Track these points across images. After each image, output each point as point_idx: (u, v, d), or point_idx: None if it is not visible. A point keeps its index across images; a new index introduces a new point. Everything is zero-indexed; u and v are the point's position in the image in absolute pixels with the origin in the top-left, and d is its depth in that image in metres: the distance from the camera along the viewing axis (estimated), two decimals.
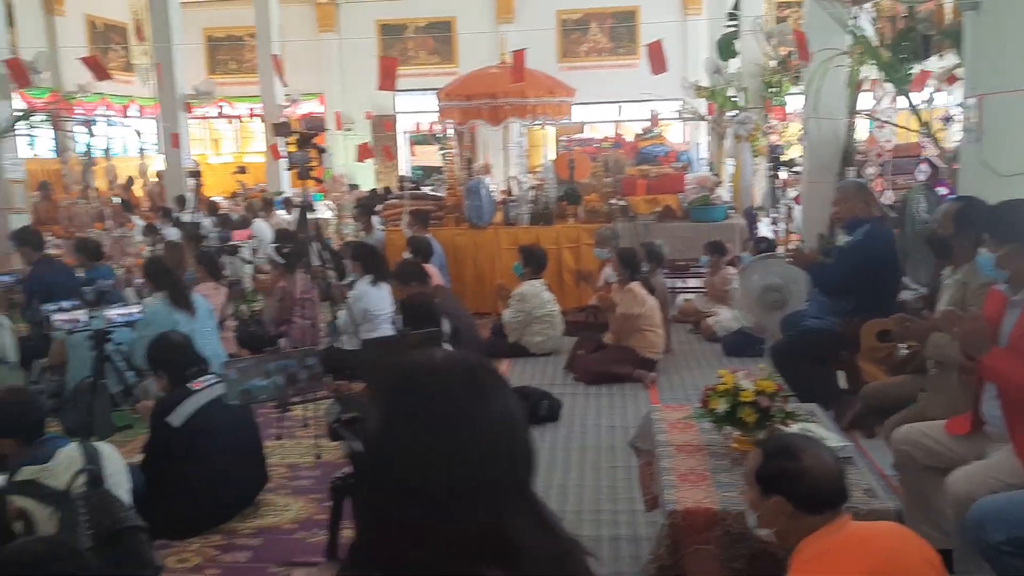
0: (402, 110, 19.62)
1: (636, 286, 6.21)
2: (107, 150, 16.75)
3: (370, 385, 1.22)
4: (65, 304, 5.56)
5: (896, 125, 8.17)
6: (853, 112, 7.90)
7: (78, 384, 5.38)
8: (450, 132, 10.18)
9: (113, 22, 18.68)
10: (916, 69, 7.29)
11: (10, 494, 2.62)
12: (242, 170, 14.59)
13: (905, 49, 7.14)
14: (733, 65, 13.09)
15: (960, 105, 5.48)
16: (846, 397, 4.83)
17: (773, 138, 11.37)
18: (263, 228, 10.64)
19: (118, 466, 3.13)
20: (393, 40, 19.68)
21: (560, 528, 1.23)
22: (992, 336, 2.98)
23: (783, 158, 9.65)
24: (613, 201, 8.68)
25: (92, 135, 14.20)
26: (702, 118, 13.46)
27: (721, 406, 3.09)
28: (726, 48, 13.16)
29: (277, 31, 16.39)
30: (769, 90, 11.99)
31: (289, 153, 5.48)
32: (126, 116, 18.09)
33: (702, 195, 8.42)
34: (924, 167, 6.66)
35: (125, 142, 18.37)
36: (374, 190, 15.18)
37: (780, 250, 7.83)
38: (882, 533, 2.18)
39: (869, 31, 7.22)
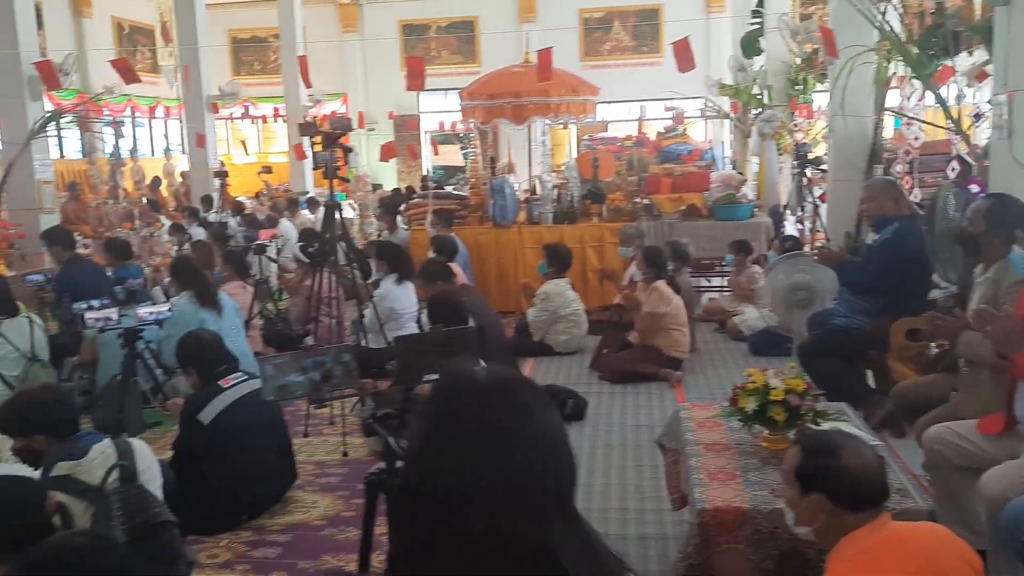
0: (425, 110, 19.68)
1: (662, 285, 6.19)
2: (133, 151, 16.94)
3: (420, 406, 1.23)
4: (95, 303, 5.64)
5: (924, 122, 8.07)
6: (880, 109, 7.82)
7: (108, 381, 5.45)
8: (473, 132, 10.21)
9: (139, 24, 18.87)
10: (945, 65, 7.21)
11: (47, 489, 2.66)
12: (268, 170, 14.69)
13: (934, 45, 7.05)
14: (757, 63, 13.01)
15: (990, 102, 5.42)
16: (875, 397, 4.79)
17: (798, 136, 11.28)
18: (288, 228, 10.71)
19: (150, 462, 3.16)
20: (416, 40, 19.75)
21: (601, 542, 1.24)
22: None
23: (810, 156, 9.57)
24: (637, 200, 8.65)
25: (122, 136, 14.35)
26: (726, 116, 13.38)
27: (750, 405, 3.08)
28: (750, 46, 13.07)
29: (301, 32, 16.48)
30: (794, 88, 11.90)
31: (315, 153, 5.51)
32: (153, 117, 18.27)
33: (727, 193, 8.37)
34: (954, 164, 6.58)
35: (152, 143, 18.57)
36: (397, 189, 15.25)
37: (806, 249, 7.78)
38: (922, 533, 2.16)
39: (897, 27, 7.15)
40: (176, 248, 9.82)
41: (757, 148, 11.05)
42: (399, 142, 16.15)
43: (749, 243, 7.78)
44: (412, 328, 6.34)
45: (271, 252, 8.35)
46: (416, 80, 7.38)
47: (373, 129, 18.70)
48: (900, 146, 7.90)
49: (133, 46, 18.35)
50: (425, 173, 17.32)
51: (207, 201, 12.50)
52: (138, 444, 3.18)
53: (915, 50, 6.99)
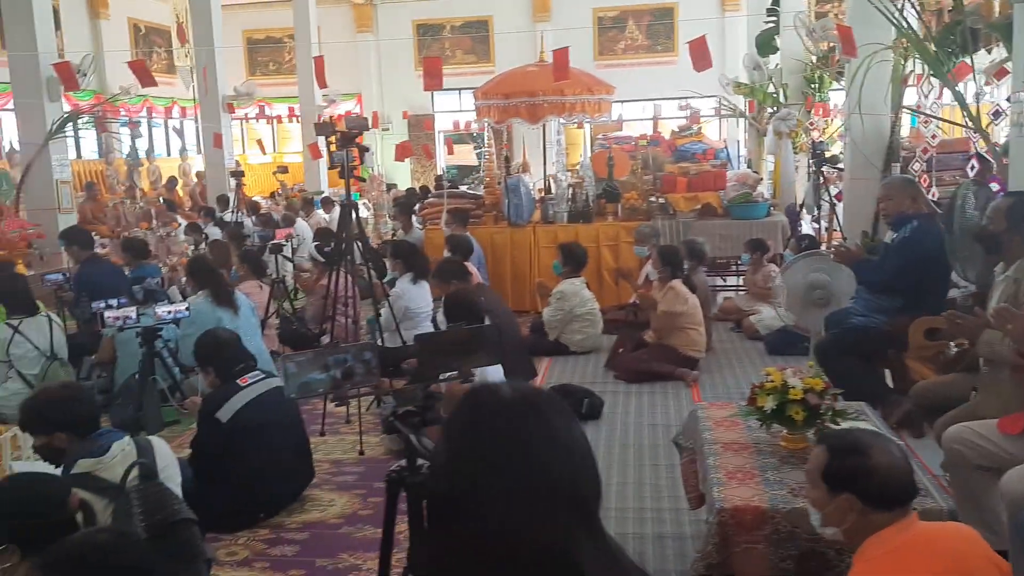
0: (439, 109, 19.72)
1: (678, 284, 6.18)
2: (149, 151, 17.06)
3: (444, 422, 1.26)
4: (113, 302, 5.68)
5: (942, 120, 8.02)
6: (898, 107, 7.78)
7: (127, 380, 5.49)
8: (487, 131, 10.20)
9: (155, 25, 18.99)
10: (963, 62, 7.17)
11: (69, 487, 2.68)
12: (283, 169, 14.76)
13: (952, 43, 7.01)
14: (772, 61, 12.96)
15: (1009, 99, 5.37)
16: (893, 396, 4.77)
17: (814, 135, 11.23)
18: (303, 227, 10.76)
19: (170, 460, 3.19)
20: (430, 40, 19.78)
21: (625, 556, 1.27)
22: None
23: (826, 155, 9.53)
24: (653, 199, 8.63)
25: (139, 136, 14.45)
26: (742, 115, 13.34)
27: (769, 404, 3.07)
28: (765, 44, 13.03)
29: (315, 32, 16.55)
30: (810, 86, 11.85)
31: (331, 152, 5.52)
32: (169, 117, 18.38)
33: (743, 192, 8.34)
34: (974, 162, 6.53)
35: (168, 143, 18.69)
36: (411, 189, 15.28)
37: (823, 248, 7.74)
38: (949, 533, 2.14)
39: (914, 24, 7.10)
40: (192, 248, 9.88)
41: (773, 147, 11.00)
42: (413, 142, 16.20)
43: (765, 242, 7.76)
44: (428, 327, 6.35)
45: (287, 251, 8.39)
46: (433, 80, 7.39)
47: (387, 129, 18.77)
48: (917, 144, 7.85)
49: (149, 47, 18.48)
50: (439, 173, 17.37)
51: (223, 201, 12.56)
52: (157, 442, 3.20)
53: (933, 47, 6.94)
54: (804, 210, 9.89)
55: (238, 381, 4.09)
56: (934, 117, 7.82)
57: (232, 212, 11.88)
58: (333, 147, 5.49)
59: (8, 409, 5.27)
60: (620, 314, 7.38)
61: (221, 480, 3.94)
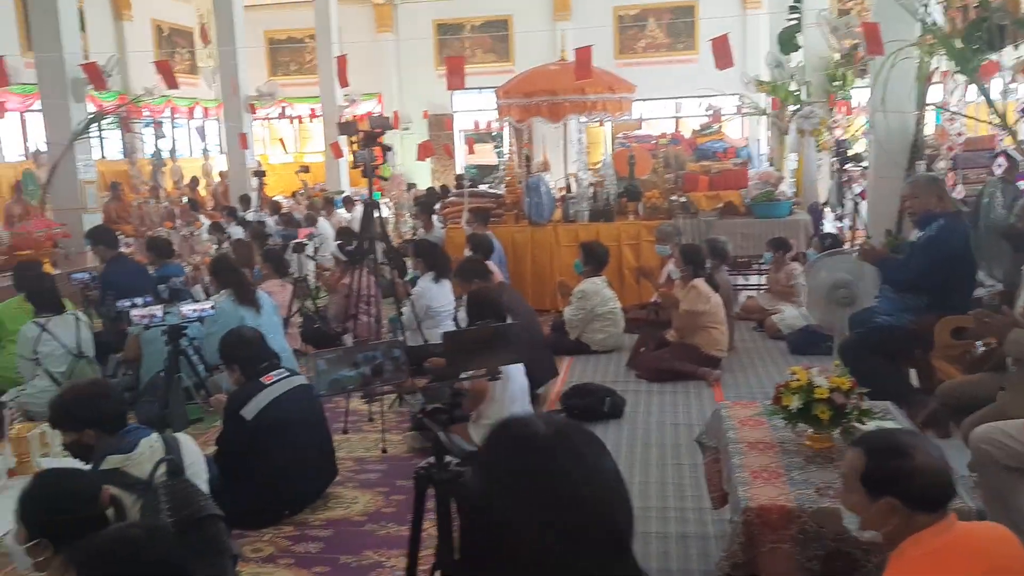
0: (459, 108, 19.74)
1: (700, 283, 6.16)
2: (172, 151, 17.21)
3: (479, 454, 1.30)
4: (139, 300, 5.74)
5: (967, 117, 7.93)
6: (922, 105, 7.70)
7: (152, 378, 5.54)
8: (506, 130, 10.20)
9: (178, 26, 19.15)
10: (989, 60, 7.08)
11: (100, 483, 2.71)
12: (305, 169, 14.84)
13: (978, 39, 6.93)
14: (794, 59, 12.87)
15: None
16: (919, 396, 4.73)
17: (837, 132, 11.14)
18: (325, 226, 10.82)
19: (196, 456, 3.21)
20: (450, 39, 19.82)
21: None
22: None
23: (849, 153, 9.45)
24: (674, 197, 8.60)
25: (163, 136, 14.56)
26: (764, 113, 13.26)
27: (795, 403, 3.05)
28: (787, 42, 12.93)
29: (336, 32, 16.61)
30: (833, 84, 11.76)
31: (355, 152, 5.55)
32: (192, 118, 18.54)
33: (766, 191, 8.29)
34: (1001, 160, 6.46)
35: (190, 143, 18.84)
36: (432, 188, 15.32)
37: (846, 247, 7.68)
38: (988, 534, 2.09)
39: (940, 21, 7.03)
40: (215, 247, 9.95)
41: (795, 145, 10.94)
42: (434, 141, 16.23)
43: (787, 241, 7.71)
44: (449, 325, 6.37)
45: (309, 250, 8.44)
46: (456, 79, 7.41)
47: (407, 128, 18.80)
48: (943, 142, 7.77)
49: (172, 48, 18.63)
50: (460, 172, 17.39)
51: (245, 200, 12.65)
52: (184, 439, 3.23)
53: (959, 44, 6.87)
54: (827, 208, 9.82)
55: (262, 379, 4.12)
56: (960, 114, 7.75)
57: (254, 211, 11.96)
58: (356, 146, 5.51)
59: (36, 406, 5.34)
60: (642, 313, 7.37)
61: (246, 478, 3.97)
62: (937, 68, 7.91)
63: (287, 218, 11.16)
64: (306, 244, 8.01)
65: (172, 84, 9.24)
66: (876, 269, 5.10)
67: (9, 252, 8.24)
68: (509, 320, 4.70)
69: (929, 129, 8.65)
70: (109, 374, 5.91)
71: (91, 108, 10.50)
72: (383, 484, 4.51)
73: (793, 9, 12.83)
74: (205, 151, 18.75)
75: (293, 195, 15.67)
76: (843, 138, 10.77)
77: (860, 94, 12.26)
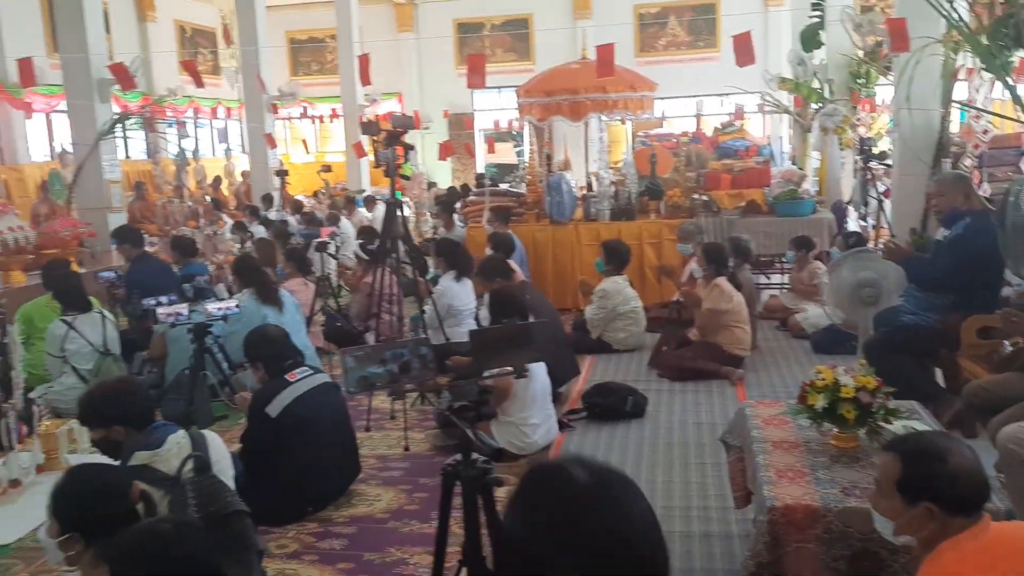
0: (479, 108, 19.78)
1: (722, 281, 6.14)
2: (195, 151, 17.35)
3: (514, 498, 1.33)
4: (164, 299, 5.80)
5: (994, 114, 7.85)
6: (948, 102, 7.62)
7: (177, 375, 5.59)
8: (526, 129, 10.20)
9: (201, 27, 19.31)
10: (1015, 56, 6.99)
11: (130, 478, 2.74)
12: (327, 168, 14.92)
13: (1004, 36, 6.85)
14: (817, 56, 12.77)
15: None
16: (945, 395, 4.69)
17: (861, 130, 11.05)
18: (347, 225, 10.87)
19: (223, 453, 3.24)
20: (470, 38, 19.85)
21: None
22: None
23: (874, 151, 9.36)
24: (696, 196, 8.57)
25: (186, 136, 14.67)
26: (786, 111, 13.18)
27: (820, 402, 3.03)
28: (810, 39, 12.83)
29: (357, 32, 16.68)
30: (856, 81, 11.66)
31: (377, 151, 5.57)
32: (214, 118, 18.68)
33: (789, 189, 8.24)
34: None
35: (213, 143, 18.99)
36: (452, 187, 15.35)
37: (870, 245, 7.62)
38: (1023, 534, 2.08)
39: (965, 17, 6.95)
40: (238, 246, 10.02)
41: (819, 143, 10.86)
42: (454, 140, 16.28)
43: (810, 239, 7.66)
44: (471, 324, 6.39)
45: (331, 249, 8.48)
46: (476, 78, 7.43)
47: (428, 128, 18.86)
48: (968, 140, 7.69)
49: (194, 48, 18.79)
50: (481, 171, 17.42)
51: (268, 200, 12.73)
52: (211, 436, 3.26)
53: (985, 41, 6.79)
54: (851, 207, 9.74)
55: (287, 376, 4.15)
56: (986, 111, 7.66)
57: (277, 211, 12.04)
58: (379, 146, 5.53)
59: (63, 403, 5.41)
60: (664, 312, 7.34)
61: (270, 475, 4.00)
62: (963, 65, 7.83)
63: (309, 217, 11.23)
64: (328, 243, 8.05)
65: (199, 83, 9.33)
66: (901, 268, 5.06)
67: (36, 251, 8.33)
68: (532, 319, 4.71)
69: (954, 127, 8.57)
70: (135, 372, 5.98)
71: (115, 109, 10.61)
72: (406, 482, 4.53)
73: (816, 6, 12.73)
74: (227, 151, 18.89)
75: (315, 194, 15.76)
76: (867, 136, 10.67)
77: (884, 91, 12.17)
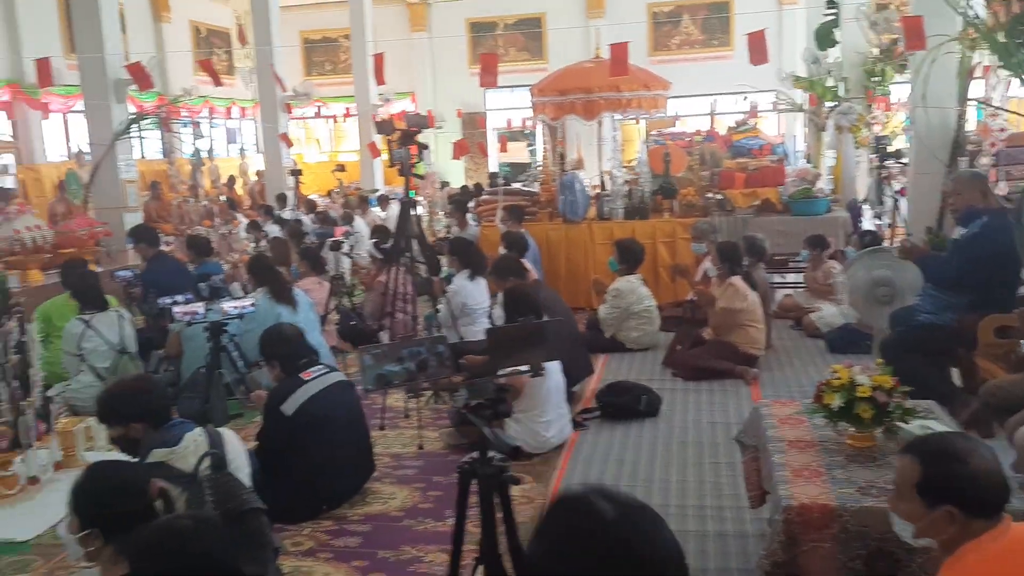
0: (492, 107, 19.78)
1: (737, 280, 6.12)
2: (210, 150, 17.44)
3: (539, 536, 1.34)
4: (180, 298, 5.82)
5: (1010, 112, 7.80)
6: (964, 100, 7.58)
7: (193, 374, 5.62)
8: (539, 128, 10.20)
9: (216, 27, 19.40)
10: None
11: (148, 475, 2.76)
12: (341, 168, 14.96)
13: (1021, 33, 6.80)
14: (832, 54, 12.71)
15: None
16: (962, 395, 4.66)
17: (876, 129, 11.00)
18: (360, 224, 10.90)
19: (239, 451, 3.26)
20: (483, 38, 19.86)
21: None
22: None
23: (889, 149, 9.31)
24: (710, 195, 8.55)
25: (201, 136, 14.74)
26: (801, 109, 13.13)
27: (836, 401, 3.02)
28: (824, 37, 12.77)
29: (371, 32, 16.72)
30: (871, 79, 11.61)
31: (392, 150, 5.59)
32: (229, 118, 18.77)
33: (803, 188, 8.20)
34: None
35: (227, 142, 19.08)
36: (465, 186, 15.37)
37: (885, 244, 7.59)
38: None
39: (982, 14, 6.91)
40: (253, 245, 10.07)
41: (833, 142, 10.81)
42: (467, 139, 16.29)
43: (825, 238, 7.63)
44: (484, 323, 6.39)
45: (345, 248, 8.51)
46: (489, 77, 7.43)
47: (441, 127, 18.89)
48: (985, 138, 7.65)
49: (209, 48, 18.88)
50: (494, 171, 17.43)
51: (282, 199, 12.78)
52: (228, 433, 3.28)
53: (1001, 38, 6.75)
54: (866, 206, 9.69)
55: (302, 375, 4.17)
56: (1002, 110, 7.62)
57: (291, 210, 12.08)
58: (394, 145, 5.55)
59: (80, 401, 5.45)
60: (677, 311, 7.33)
61: (285, 474, 4.02)
62: (979, 63, 7.78)
63: (323, 216, 11.26)
64: (342, 242, 8.08)
65: (217, 81, 9.38)
66: (917, 267, 5.03)
67: (53, 250, 8.40)
68: (546, 318, 4.71)
69: (971, 125, 8.52)
70: (151, 370, 6.01)
71: (131, 109, 10.67)
72: (420, 480, 4.54)
73: (831, 3, 12.67)
74: (241, 151, 18.97)
75: (328, 194, 15.80)
76: (882, 134, 10.62)
77: (899, 90, 12.10)
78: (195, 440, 3.09)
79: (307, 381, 4.16)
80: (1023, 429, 3.34)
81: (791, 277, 8.79)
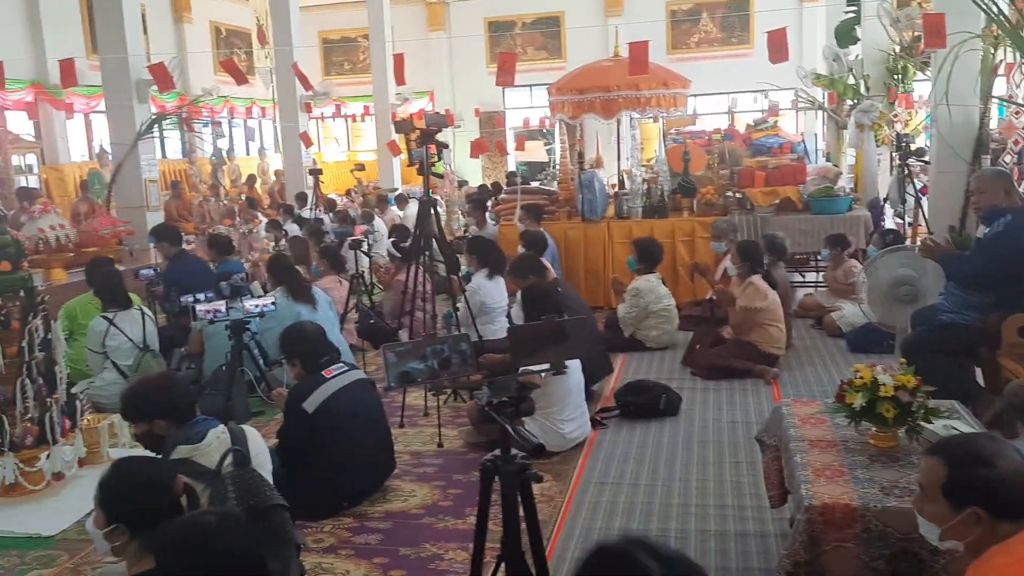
0: (510, 106, 19.80)
1: (757, 279, 6.09)
2: (230, 150, 17.56)
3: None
4: (201, 296, 5.88)
5: None
6: (987, 98, 7.50)
7: (215, 371, 5.67)
8: (557, 127, 10.19)
9: (236, 28, 19.53)
10: None
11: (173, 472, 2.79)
12: (361, 167, 15.02)
13: None
14: (852, 52, 12.64)
15: None
16: (985, 395, 4.62)
17: (898, 127, 10.91)
18: (379, 223, 10.94)
19: (261, 447, 3.29)
20: (501, 37, 19.88)
21: None
22: None
23: (911, 147, 9.23)
24: (729, 193, 8.51)
25: (222, 135, 14.84)
26: (821, 107, 13.05)
27: (858, 401, 3.01)
28: (845, 35, 12.71)
29: (390, 31, 16.78)
30: (892, 77, 11.52)
31: (411, 150, 5.61)
32: (249, 117, 18.89)
33: (824, 187, 8.15)
34: None
35: (247, 142, 19.21)
36: (484, 185, 15.39)
37: (907, 243, 7.53)
38: None
39: (1005, 10, 6.84)
40: (273, 244, 10.13)
41: (854, 140, 10.73)
42: (485, 139, 16.31)
43: (845, 237, 7.58)
44: (503, 322, 6.40)
45: (364, 247, 8.54)
46: (507, 76, 7.43)
47: (459, 126, 18.94)
48: (1009, 136, 7.57)
49: (229, 49, 19.00)
50: (511, 170, 17.45)
51: (302, 198, 12.84)
52: (250, 430, 3.31)
53: None
54: (888, 204, 9.62)
55: (323, 373, 4.20)
56: None
57: (311, 209, 12.14)
58: (413, 144, 5.57)
59: (104, 398, 5.51)
60: (697, 310, 7.31)
61: (306, 471, 4.04)
62: (1002, 60, 7.70)
63: (342, 215, 11.31)
64: (362, 241, 8.12)
65: (241, 80, 9.44)
66: (940, 265, 4.99)
67: (76, 249, 8.49)
68: (566, 316, 4.71)
69: (994, 123, 8.43)
70: (173, 367, 6.07)
71: (153, 109, 10.77)
72: (440, 478, 4.56)
73: (851, 1, 12.60)
74: (261, 150, 19.09)
75: (347, 193, 15.88)
76: (904, 132, 10.53)
77: (921, 87, 11.99)
78: (218, 437, 3.11)
79: (328, 379, 4.19)
80: None
81: (811, 276, 8.75)
